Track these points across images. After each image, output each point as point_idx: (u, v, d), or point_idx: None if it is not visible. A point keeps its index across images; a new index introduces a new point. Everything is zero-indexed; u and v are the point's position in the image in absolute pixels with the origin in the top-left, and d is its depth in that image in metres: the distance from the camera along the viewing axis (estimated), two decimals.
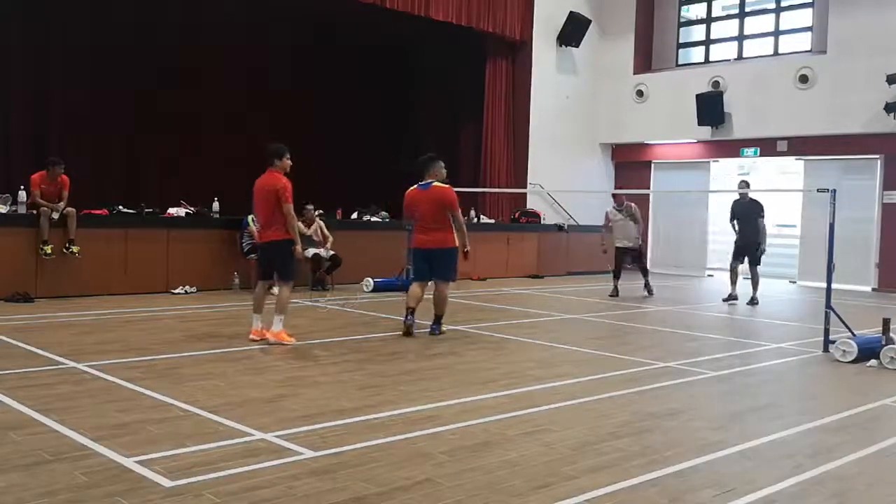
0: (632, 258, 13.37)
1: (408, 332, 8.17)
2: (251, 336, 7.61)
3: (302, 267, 12.11)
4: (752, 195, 12.70)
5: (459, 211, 8.42)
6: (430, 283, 8.58)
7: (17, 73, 13.90)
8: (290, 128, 16.32)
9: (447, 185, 8.45)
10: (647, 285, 13.11)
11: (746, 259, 12.50)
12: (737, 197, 12.79)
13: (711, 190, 17.47)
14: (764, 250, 12.48)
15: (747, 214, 12.44)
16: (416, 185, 8.47)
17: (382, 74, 18.33)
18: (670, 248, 18.07)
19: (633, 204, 13.56)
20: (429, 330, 8.39)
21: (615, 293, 12.87)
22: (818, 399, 6.25)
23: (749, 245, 12.44)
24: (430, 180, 8.38)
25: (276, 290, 7.81)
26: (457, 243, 8.35)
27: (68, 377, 5.96)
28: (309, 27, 16.66)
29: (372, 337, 8.18)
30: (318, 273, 12.23)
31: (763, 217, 12.38)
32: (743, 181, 13.59)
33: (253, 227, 10.87)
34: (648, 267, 13.93)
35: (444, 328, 8.45)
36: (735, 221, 12.62)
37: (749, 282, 12.47)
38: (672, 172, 18.35)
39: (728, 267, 12.85)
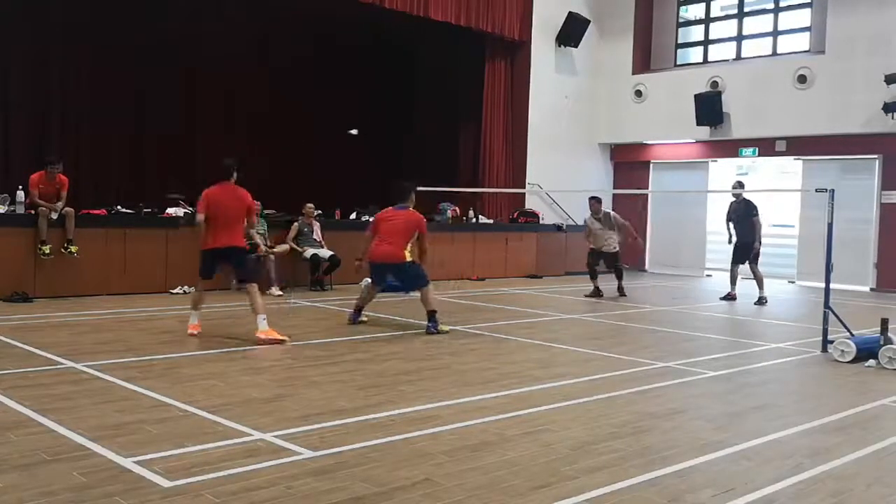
0: (605, 262, 13.07)
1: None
2: (189, 331, 7.80)
3: (299, 267, 12.21)
4: (749, 195, 12.73)
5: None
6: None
7: (17, 73, 13.88)
8: (289, 128, 16.40)
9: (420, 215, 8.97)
10: (619, 288, 12.84)
11: (746, 261, 12.53)
12: (732, 199, 12.82)
13: (710, 190, 17.46)
14: (757, 249, 12.47)
15: (742, 215, 12.49)
16: (390, 207, 8.92)
17: (382, 74, 18.32)
18: (669, 247, 18.05)
19: (611, 212, 13.57)
20: (425, 329, 8.45)
21: (596, 293, 12.72)
22: (817, 399, 6.25)
23: (745, 246, 12.47)
24: (407, 205, 8.87)
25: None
26: (409, 258, 8.71)
27: (67, 377, 5.95)
28: (309, 27, 16.64)
29: (371, 337, 8.18)
30: (317, 274, 12.22)
31: (757, 215, 12.41)
32: (737, 182, 13.60)
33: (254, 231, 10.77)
34: (646, 268, 13.86)
35: (444, 328, 8.48)
36: (730, 223, 12.66)
37: (752, 282, 12.45)
38: (671, 172, 18.34)
39: (729, 269, 12.88)
